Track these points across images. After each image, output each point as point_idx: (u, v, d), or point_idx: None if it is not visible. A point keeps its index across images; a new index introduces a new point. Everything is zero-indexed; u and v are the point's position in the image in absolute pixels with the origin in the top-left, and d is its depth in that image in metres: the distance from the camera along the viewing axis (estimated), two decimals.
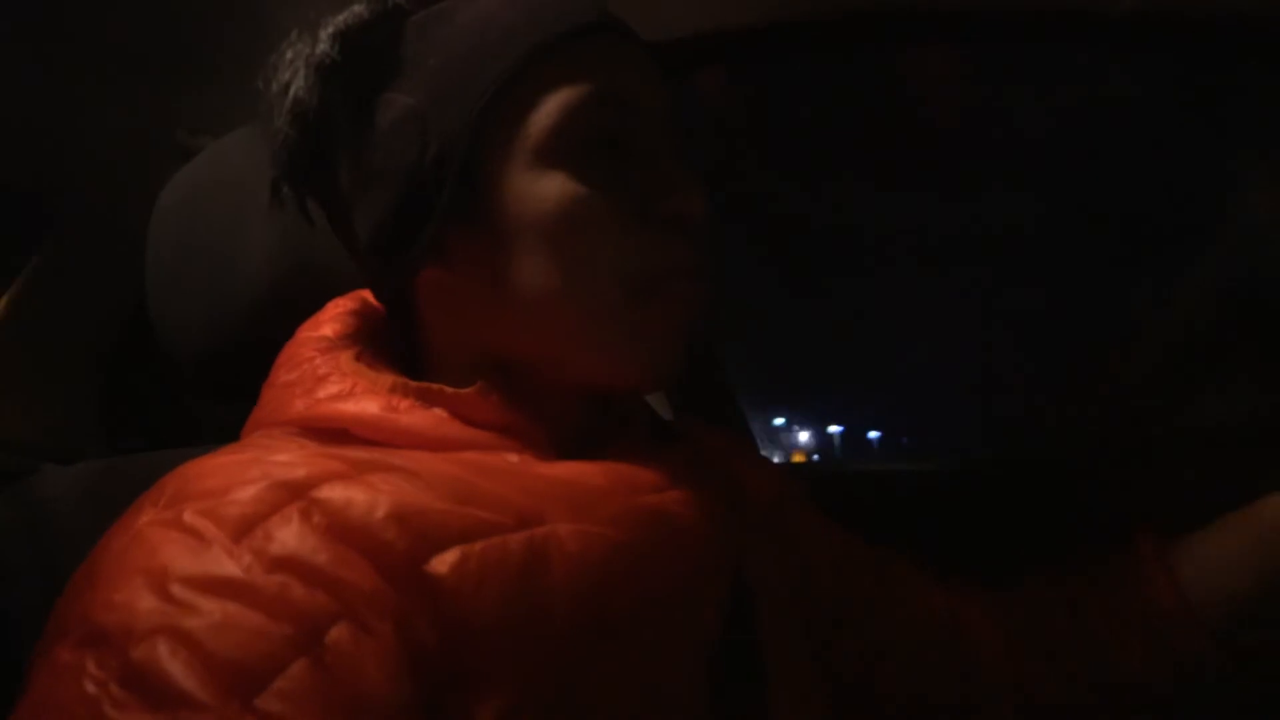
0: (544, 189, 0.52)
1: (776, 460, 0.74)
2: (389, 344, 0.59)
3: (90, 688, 0.37)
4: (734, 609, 0.57)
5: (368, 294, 0.63)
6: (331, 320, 0.59)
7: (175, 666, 0.37)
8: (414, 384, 0.53)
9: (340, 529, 0.43)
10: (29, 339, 0.91)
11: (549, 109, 0.52)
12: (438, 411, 0.52)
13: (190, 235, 0.72)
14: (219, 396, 0.73)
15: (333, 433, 0.51)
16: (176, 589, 0.39)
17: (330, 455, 0.46)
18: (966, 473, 1.03)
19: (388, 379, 0.53)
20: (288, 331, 0.60)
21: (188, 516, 0.42)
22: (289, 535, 0.42)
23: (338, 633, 0.40)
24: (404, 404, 0.52)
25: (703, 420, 0.73)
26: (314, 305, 0.63)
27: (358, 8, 0.54)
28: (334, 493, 0.44)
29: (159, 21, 0.82)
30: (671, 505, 0.53)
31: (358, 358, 0.56)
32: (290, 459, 0.46)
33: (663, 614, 0.50)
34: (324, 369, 0.54)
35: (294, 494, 0.43)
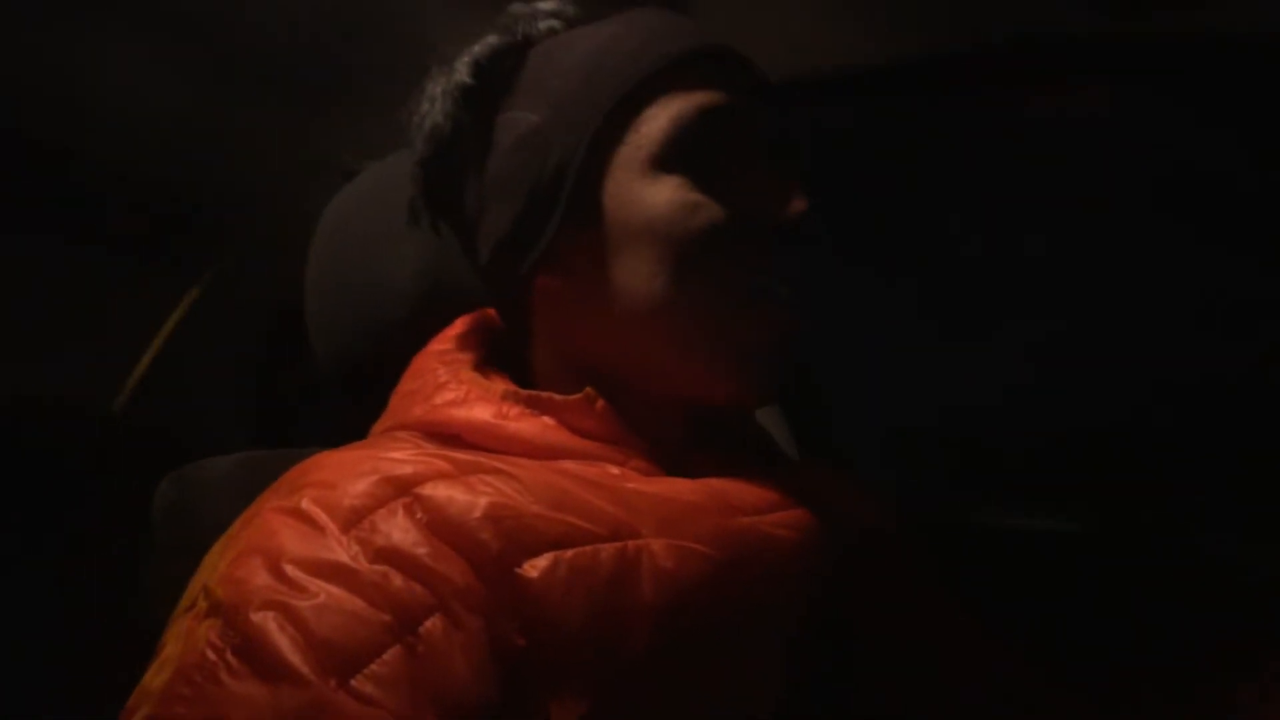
0: (656, 194, 0.54)
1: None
2: (507, 357, 0.62)
3: (210, 655, 0.41)
4: (831, 643, 0.56)
5: (492, 311, 0.66)
6: (456, 335, 0.63)
7: (283, 641, 0.40)
8: (524, 392, 0.56)
9: (440, 525, 0.45)
10: (201, 343, 1.00)
11: (661, 121, 0.55)
12: (546, 419, 0.55)
13: (346, 250, 0.78)
14: (361, 400, 0.78)
15: (446, 437, 0.54)
16: (289, 569, 0.43)
17: (437, 455, 0.49)
18: (1114, 536, 0.96)
19: (500, 386, 0.56)
20: (427, 343, 0.64)
21: (305, 504, 0.46)
22: (393, 528, 0.45)
23: (431, 624, 0.43)
24: (514, 411, 0.55)
25: (822, 458, 0.73)
26: (452, 321, 0.67)
27: (490, 38, 0.59)
28: (437, 490, 0.46)
29: (327, 56, 0.90)
30: (767, 528, 0.53)
31: (475, 367, 0.59)
32: (401, 456, 0.49)
33: (748, 636, 0.50)
34: (444, 377, 0.57)
35: (400, 489, 0.46)
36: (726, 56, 0.58)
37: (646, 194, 0.54)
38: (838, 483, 0.68)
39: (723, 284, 0.54)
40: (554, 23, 0.59)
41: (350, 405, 0.80)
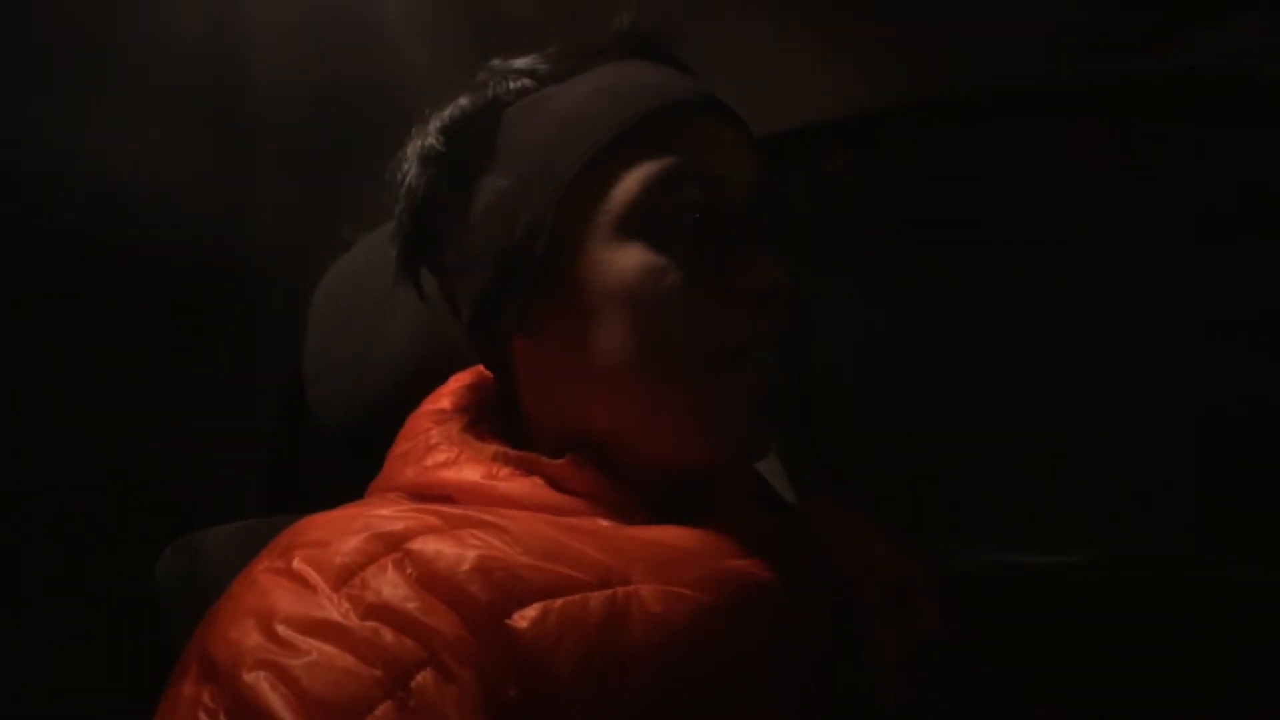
0: (622, 260, 0.54)
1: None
2: (499, 414, 0.63)
3: (204, 717, 0.41)
4: (844, 686, 0.56)
5: (483, 368, 0.67)
6: (450, 394, 0.64)
7: (275, 700, 0.41)
8: (514, 453, 0.56)
9: (430, 579, 0.46)
10: (209, 414, 1.02)
11: (629, 185, 0.54)
12: (535, 479, 0.55)
13: (344, 317, 0.80)
14: (364, 463, 0.79)
15: (438, 498, 0.54)
16: (281, 629, 0.43)
17: (427, 511, 0.50)
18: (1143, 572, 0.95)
19: (490, 448, 0.56)
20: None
21: (296, 564, 0.46)
22: (383, 584, 0.45)
23: (423, 678, 0.43)
24: (504, 472, 0.55)
25: (826, 501, 0.72)
26: (447, 379, 0.67)
27: (462, 99, 0.59)
28: (426, 545, 0.47)
29: (328, 125, 0.92)
30: (761, 572, 0.53)
31: (466, 428, 0.59)
32: (390, 513, 0.49)
33: (747, 682, 0.50)
34: (435, 438, 0.58)
35: (390, 546, 0.47)
36: (706, 109, 0.57)
37: (614, 259, 0.54)
38: (841, 522, 0.67)
39: (692, 349, 0.54)
40: (525, 82, 0.58)
41: (353, 469, 0.81)
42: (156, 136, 0.93)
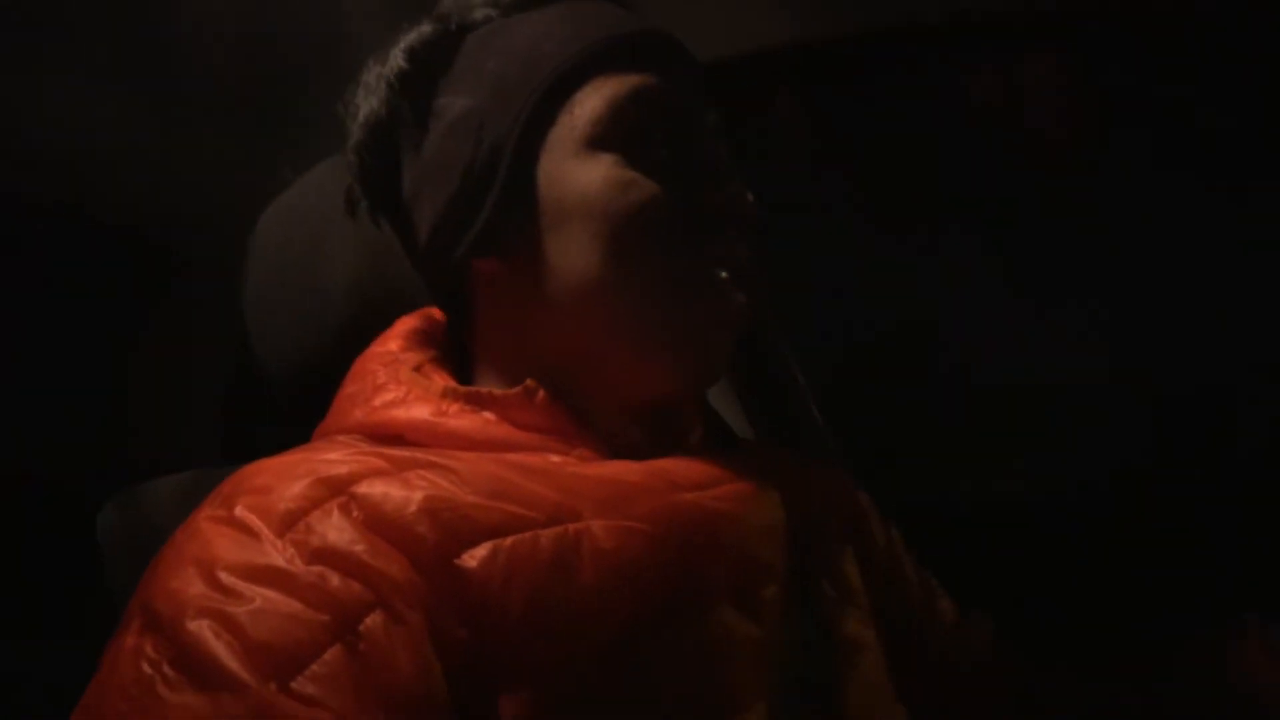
0: (591, 171, 0.54)
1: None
2: (450, 355, 0.62)
3: (146, 668, 0.41)
4: (803, 619, 0.56)
5: (434, 311, 0.66)
6: (398, 335, 0.63)
7: (219, 648, 0.40)
8: (463, 389, 0.55)
9: (376, 522, 0.45)
10: (150, 371, 1.00)
11: (595, 101, 0.55)
12: (486, 415, 0.54)
13: (281, 262, 0.77)
14: (306, 414, 0.77)
15: (387, 438, 0.53)
16: (224, 577, 0.42)
17: (373, 453, 0.49)
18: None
19: (439, 384, 0.56)
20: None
21: (238, 511, 0.45)
22: (328, 528, 0.44)
23: (372, 621, 0.42)
24: (453, 408, 0.54)
25: (781, 439, 0.73)
26: (393, 323, 0.66)
27: (425, 26, 0.59)
28: (373, 488, 0.46)
29: (264, 72, 0.89)
30: (714, 503, 0.53)
31: (417, 368, 0.59)
32: (336, 457, 0.49)
33: (701, 614, 0.50)
34: (383, 378, 0.57)
35: (335, 490, 0.46)
36: (662, 42, 0.59)
37: (580, 173, 0.54)
38: (794, 460, 0.69)
39: (658, 266, 0.54)
40: (489, 10, 0.59)
41: (304, 416, 0.80)
42: (80, 94, 0.90)
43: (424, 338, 0.63)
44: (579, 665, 0.46)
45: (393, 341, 0.62)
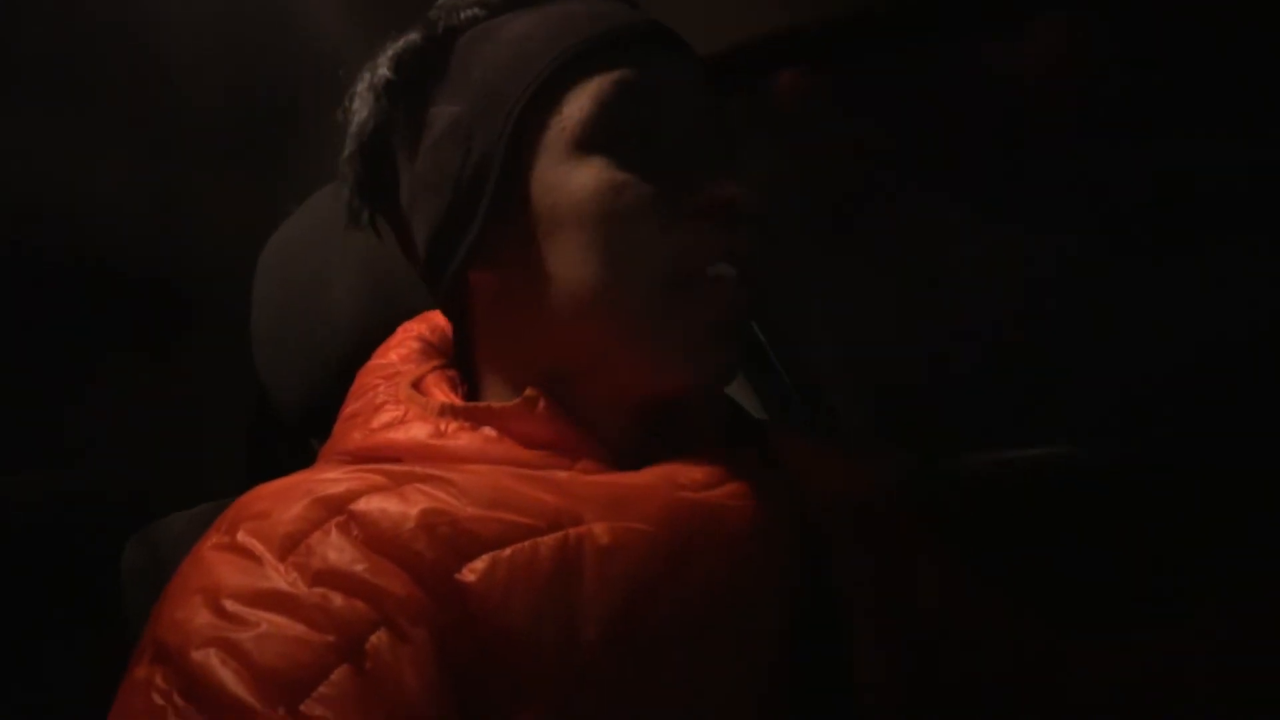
0: (580, 177, 0.53)
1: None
2: (455, 362, 0.61)
3: (157, 700, 0.41)
4: (822, 617, 0.55)
5: (436, 315, 0.65)
6: (398, 345, 0.63)
7: (226, 675, 0.40)
8: (461, 405, 0.55)
9: (376, 540, 0.45)
10: (176, 410, 1.01)
11: (582, 101, 0.53)
12: (486, 431, 0.54)
13: (286, 291, 0.78)
14: (324, 437, 0.78)
15: (388, 460, 0.53)
16: (229, 604, 0.42)
17: (371, 470, 0.49)
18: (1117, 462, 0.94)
19: (437, 402, 0.55)
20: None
21: (240, 537, 0.45)
22: (329, 549, 0.44)
23: (376, 639, 0.42)
24: (452, 427, 0.53)
25: (790, 425, 0.72)
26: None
27: (412, 33, 0.58)
28: (370, 505, 0.46)
29: (254, 111, 0.91)
30: (719, 501, 0.52)
31: (417, 383, 0.58)
32: (334, 476, 0.48)
33: (709, 614, 0.49)
34: (382, 397, 0.57)
35: (333, 509, 0.46)
36: (655, 36, 0.57)
37: (571, 177, 0.53)
38: (813, 450, 0.67)
39: (656, 266, 0.53)
40: (476, 11, 0.57)
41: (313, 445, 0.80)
42: (82, 140, 0.92)
43: (426, 347, 0.63)
44: (586, 679, 0.45)
45: (393, 352, 0.62)
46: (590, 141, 0.53)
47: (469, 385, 0.60)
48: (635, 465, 0.54)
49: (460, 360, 0.62)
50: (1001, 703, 0.64)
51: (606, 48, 0.54)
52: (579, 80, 0.54)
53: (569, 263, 0.53)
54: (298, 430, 0.79)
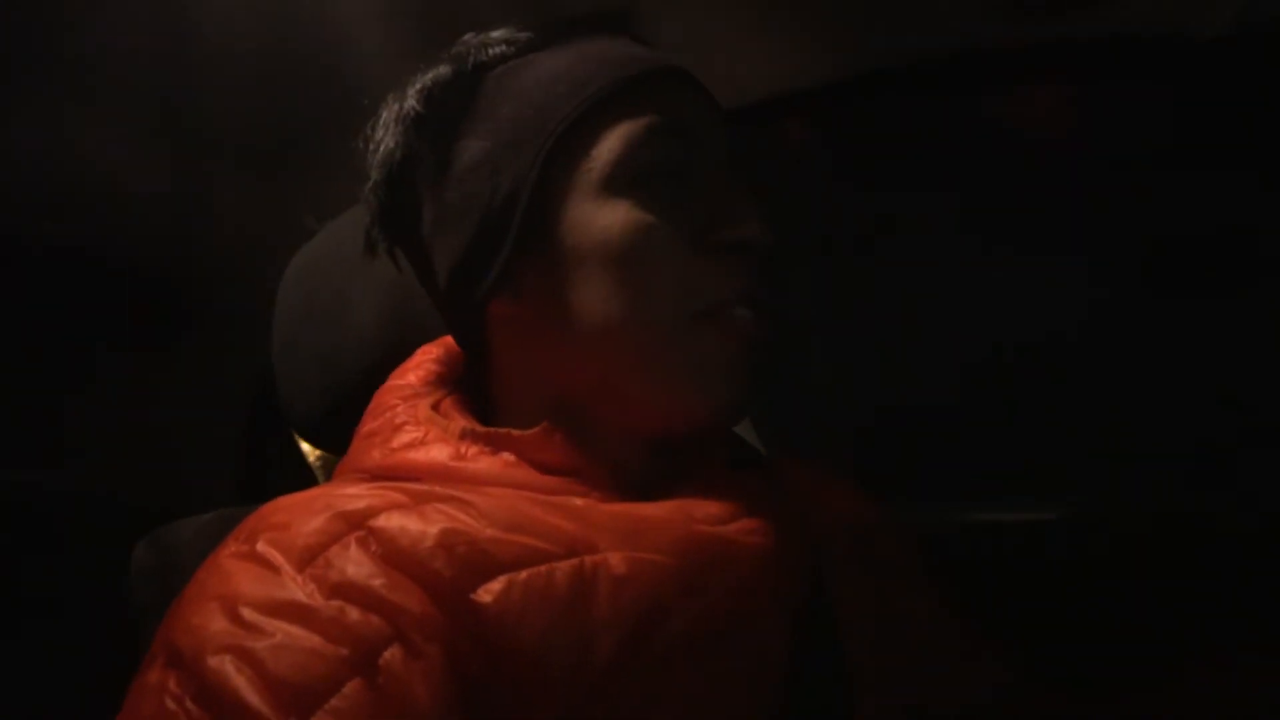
0: (607, 217, 0.54)
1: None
2: (470, 388, 0.62)
3: (170, 704, 0.41)
4: (818, 642, 0.56)
5: (452, 340, 0.66)
6: (416, 367, 0.63)
7: (241, 683, 0.41)
8: (482, 430, 0.56)
9: (394, 556, 0.45)
10: (172, 411, 1.01)
11: (611, 142, 0.55)
12: (505, 456, 0.55)
13: (309, 306, 0.79)
14: (335, 451, 0.79)
15: (407, 480, 0.53)
16: (246, 613, 0.43)
17: (392, 488, 0.50)
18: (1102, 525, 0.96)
19: (458, 426, 0.56)
20: None
21: (260, 547, 0.46)
22: (347, 562, 0.45)
23: (390, 655, 0.43)
24: (472, 450, 0.54)
25: (796, 458, 0.73)
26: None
27: (441, 66, 0.59)
28: (390, 521, 0.47)
29: (281, 118, 0.92)
30: (731, 535, 0.53)
31: (435, 405, 0.59)
32: (354, 491, 0.49)
33: (716, 641, 0.50)
34: (401, 417, 0.58)
35: (353, 524, 0.47)
36: (678, 79, 0.58)
37: (598, 216, 0.54)
38: (811, 479, 0.69)
39: (678, 304, 0.54)
40: (505, 49, 0.58)
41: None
42: (109, 136, 0.93)
43: (444, 370, 0.63)
44: (595, 701, 0.45)
45: (411, 374, 0.63)
46: (618, 182, 0.55)
47: (483, 410, 0.61)
48: (646, 492, 0.56)
49: (473, 387, 0.63)
50: None
51: (635, 90, 0.56)
52: (608, 121, 0.55)
53: (592, 297, 0.54)
54: (313, 441, 0.80)
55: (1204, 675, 0.65)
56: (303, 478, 1.13)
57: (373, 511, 0.47)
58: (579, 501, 0.53)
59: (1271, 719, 0.61)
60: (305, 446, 1.16)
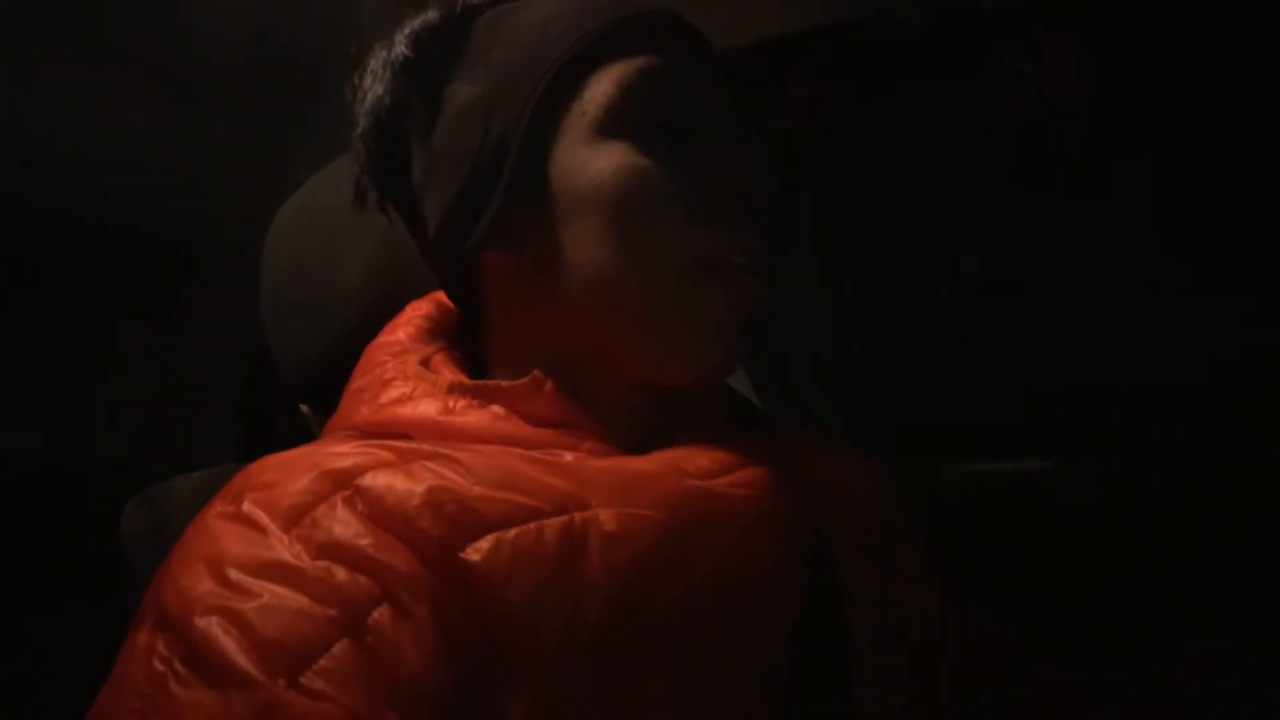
0: (602, 161, 0.53)
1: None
2: (461, 344, 0.61)
3: (158, 666, 0.41)
4: (821, 610, 0.55)
5: (443, 295, 0.65)
6: (406, 324, 0.63)
7: (229, 644, 0.40)
8: (470, 383, 0.55)
9: (381, 515, 0.45)
10: (172, 373, 1.01)
11: (605, 86, 0.54)
12: (494, 409, 0.54)
13: (296, 258, 0.78)
14: (325, 407, 0.78)
15: (395, 436, 0.53)
16: (233, 573, 0.43)
17: (379, 446, 0.49)
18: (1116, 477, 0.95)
19: (446, 380, 0.55)
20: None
21: (246, 507, 0.45)
22: (334, 522, 0.44)
23: (379, 614, 0.42)
24: (460, 404, 0.54)
25: (796, 420, 0.72)
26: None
27: (430, 12, 0.58)
28: (376, 480, 0.46)
29: (272, 77, 0.90)
30: (726, 490, 0.52)
31: (425, 361, 0.58)
32: (341, 450, 0.48)
33: (713, 604, 0.49)
34: (390, 373, 0.57)
35: (340, 483, 0.46)
36: (672, 22, 0.57)
37: (591, 161, 0.53)
38: (811, 442, 0.67)
39: (672, 253, 0.53)
40: None
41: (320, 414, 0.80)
42: (101, 99, 0.91)
43: (434, 326, 0.63)
44: (585, 661, 0.45)
45: (401, 330, 0.62)
46: (612, 125, 0.53)
47: (474, 366, 0.60)
48: (639, 449, 0.55)
49: (465, 341, 0.62)
50: (995, 707, 0.65)
51: (629, 33, 0.55)
52: (601, 64, 0.54)
53: (587, 246, 0.53)
54: (302, 395, 0.79)
55: (1203, 669, 0.65)
56: (305, 437, 1.12)
57: (359, 470, 0.47)
58: (569, 457, 0.52)
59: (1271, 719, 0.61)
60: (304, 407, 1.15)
